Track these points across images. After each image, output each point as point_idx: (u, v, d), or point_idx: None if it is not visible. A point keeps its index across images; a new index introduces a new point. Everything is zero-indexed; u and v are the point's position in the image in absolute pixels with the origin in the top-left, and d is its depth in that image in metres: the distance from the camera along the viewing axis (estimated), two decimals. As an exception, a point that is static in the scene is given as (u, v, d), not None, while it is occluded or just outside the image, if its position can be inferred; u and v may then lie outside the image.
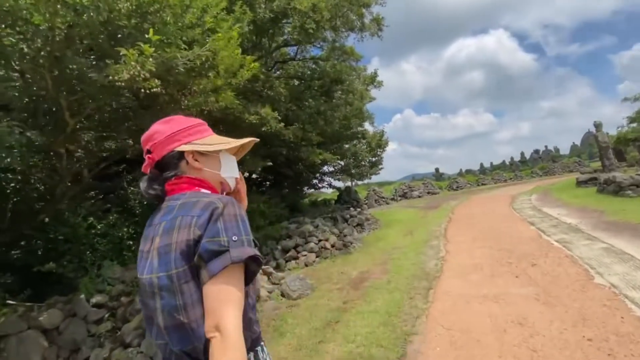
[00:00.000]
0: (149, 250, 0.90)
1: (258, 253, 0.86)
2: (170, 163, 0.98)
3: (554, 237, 6.39)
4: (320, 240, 7.95)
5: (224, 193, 1.05)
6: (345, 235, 8.66)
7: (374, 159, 14.07)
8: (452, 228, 9.35)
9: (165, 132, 0.98)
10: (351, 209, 14.49)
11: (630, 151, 18.39)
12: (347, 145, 12.11)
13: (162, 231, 0.88)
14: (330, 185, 14.75)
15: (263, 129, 6.29)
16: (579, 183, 14.88)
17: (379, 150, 13.55)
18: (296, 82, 11.13)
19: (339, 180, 14.06)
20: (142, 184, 0.99)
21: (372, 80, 11.00)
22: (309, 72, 10.99)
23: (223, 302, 0.77)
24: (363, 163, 13.22)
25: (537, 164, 70.84)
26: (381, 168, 14.61)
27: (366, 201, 25.17)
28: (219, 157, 1.03)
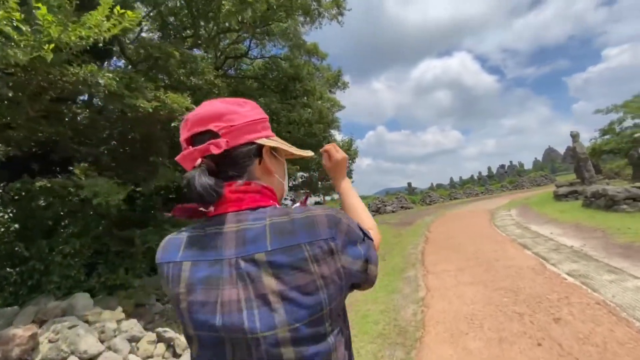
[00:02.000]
0: (248, 299, 0.59)
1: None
2: (243, 159, 0.69)
3: (563, 267, 4.93)
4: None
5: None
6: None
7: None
8: (430, 251, 7.79)
9: (247, 115, 0.71)
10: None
11: (604, 163, 18.05)
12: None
13: (271, 267, 0.60)
14: (294, 201, 12.94)
15: (173, 124, 4.48)
16: (558, 196, 14.03)
17: (348, 161, 12.02)
18: (254, 84, 9.46)
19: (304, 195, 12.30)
20: (199, 177, 0.62)
21: (336, 80, 9.52)
22: (265, 71, 9.36)
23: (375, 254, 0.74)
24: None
25: (504, 178, 73.08)
26: (352, 181, 13.13)
27: (337, 217, 23.57)
28: (284, 163, 0.82)
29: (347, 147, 11.45)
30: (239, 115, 0.70)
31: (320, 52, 10.34)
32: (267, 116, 0.78)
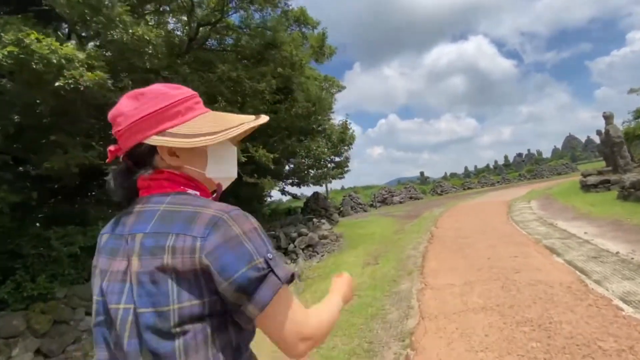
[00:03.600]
0: (125, 272, 0.64)
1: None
2: (142, 158, 0.71)
3: (613, 288, 3.53)
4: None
5: (214, 195, 0.78)
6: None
7: (337, 159, 11.14)
8: (433, 253, 6.44)
9: (130, 115, 0.69)
10: (314, 220, 11.55)
11: (637, 149, 16.09)
12: (305, 141, 9.15)
13: (140, 249, 0.63)
14: (283, 191, 11.73)
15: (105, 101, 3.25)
16: (587, 187, 12.33)
17: (343, 147, 10.59)
18: (231, 55, 8.13)
19: (295, 184, 11.02)
20: (110, 180, 0.73)
21: (321, 44, 8.09)
22: (238, 39, 8.01)
23: (288, 323, 0.64)
24: (323, 163, 10.27)
25: (521, 167, 69.92)
26: (347, 170, 11.73)
27: (341, 208, 22.29)
28: (206, 151, 0.74)
29: (342, 130, 10.07)
30: (125, 117, 0.69)
31: (310, 19, 8.90)
32: (175, 100, 0.71)
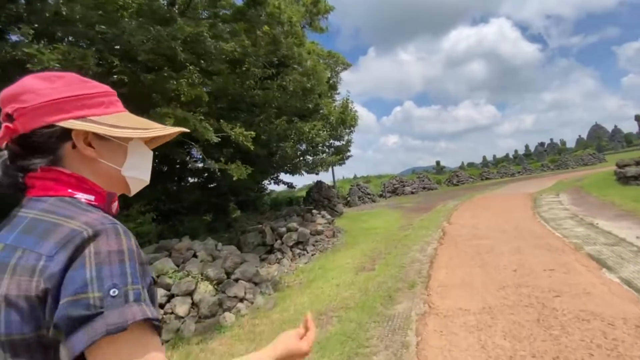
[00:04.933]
0: None
1: (152, 313, 0.51)
2: (44, 143, 0.59)
3: None
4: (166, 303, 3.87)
5: (111, 202, 0.66)
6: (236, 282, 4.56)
7: (338, 143, 9.91)
8: (443, 259, 5.26)
9: (45, 94, 0.59)
10: (313, 211, 10.48)
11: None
12: (297, 122, 7.97)
13: None
14: (275, 179, 10.63)
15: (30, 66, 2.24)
16: (625, 179, 10.74)
17: (344, 130, 9.34)
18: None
19: (287, 172, 9.89)
20: None
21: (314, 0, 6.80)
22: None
23: None
24: (321, 148, 9.09)
25: (543, 157, 66.75)
26: (349, 156, 10.52)
27: (348, 198, 21.13)
28: (127, 147, 0.67)
29: (342, 110, 8.81)
30: (36, 94, 0.58)
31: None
32: (97, 91, 0.64)
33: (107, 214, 0.58)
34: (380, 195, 23.04)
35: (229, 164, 5.29)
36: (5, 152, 0.60)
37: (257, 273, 4.79)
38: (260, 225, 7.30)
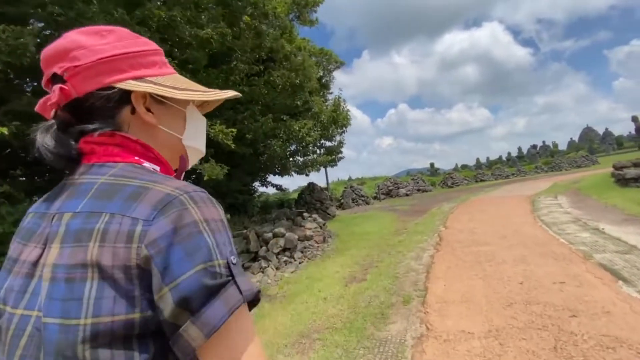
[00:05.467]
0: (35, 263, 0.46)
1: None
2: (101, 108, 0.53)
3: None
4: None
5: (178, 174, 0.61)
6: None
7: (329, 143, 9.47)
8: (440, 268, 4.82)
9: (99, 50, 0.52)
10: (304, 214, 10.01)
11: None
12: (286, 121, 7.51)
13: (64, 233, 0.45)
14: (262, 181, 10.13)
15: None
16: (625, 181, 10.45)
17: (336, 129, 8.90)
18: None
19: (277, 173, 9.40)
20: (41, 136, 0.52)
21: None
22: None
23: None
24: (312, 148, 8.63)
25: (536, 159, 67.23)
26: (341, 157, 10.07)
27: (342, 200, 20.69)
28: (186, 113, 0.61)
29: (334, 109, 8.37)
30: (88, 50, 0.51)
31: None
32: (151, 48, 0.57)
33: None
34: (375, 197, 22.65)
35: (202, 163, 4.80)
36: (54, 122, 0.53)
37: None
38: (245, 231, 6.81)
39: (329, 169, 13.58)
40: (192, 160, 0.63)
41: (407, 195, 23.16)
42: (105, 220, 0.43)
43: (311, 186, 15.35)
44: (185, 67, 4.79)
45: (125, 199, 0.45)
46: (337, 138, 9.39)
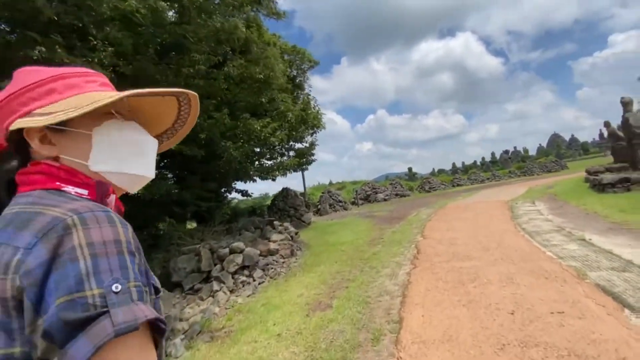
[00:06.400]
0: None
1: (157, 314, 0.44)
2: (18, 147, 0.54)
3: None
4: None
5: (104, 195, 0.55)
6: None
7: (300, 145, 8.73)
8: (417, 289, 4.16)
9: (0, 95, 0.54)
10: (275, 222, 9.20)
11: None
12: (246, 119, 6.70)
13: None
14: (227, 187, 9.25)
15: None
16: (601, 186, 10.31)
17: (306, 130, 8.17)
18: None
19: (239, 178, 8.55)
20: None
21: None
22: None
23: None
24: (279, 150, 7.85)
25: (508, 164, 69.28)
26: (312, 160, 9.37)
27: (319, 206, 19.98)
28: (91, 136, 0.54)
29: (303, 108, 7.66)
30: None
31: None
32: (51, 75, 0.53)
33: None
34: (353, 203, 22.09)
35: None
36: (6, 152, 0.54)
37: (168, 320, 3.45)
38: (198, 246, 5.93)
39: (308, 173, 12.84)
40: (128, 185, 0.58)
41: (385, 200, 22.76)
42: None
43: (285, 191, 14.54)
44: (122, 58, 3.91)
45: (16, 226, 0.43)
46: (309, 139, 8.68)
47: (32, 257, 0.39)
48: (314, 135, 8.59)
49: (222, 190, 11.54)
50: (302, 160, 9.04)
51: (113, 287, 0.40)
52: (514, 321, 2.96)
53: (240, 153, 6.00)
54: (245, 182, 8.61)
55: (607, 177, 10.10)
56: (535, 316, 3.00)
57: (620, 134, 11.91)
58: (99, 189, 0.52)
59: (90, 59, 3.91)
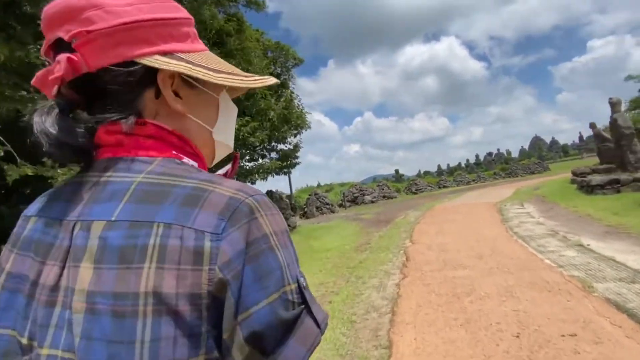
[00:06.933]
0: (55, 287, 0.36)
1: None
2: (119, 88, 0.40)
3: None
4: None
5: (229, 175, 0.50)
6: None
7: (281, 146, 8.23)
8: (407, 305, 3.72)
9: (121, 12, 0.39)
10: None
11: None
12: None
13: (99, 248, 0.35)
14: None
15: None
16: (589, 187, 10.19)
17: (289, 130, 7.67)
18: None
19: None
20: (41, 119, 0.39)
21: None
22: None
23: None
24: (260, 152, 7.33)
25: (491, 166, 70.66)
26: (296, 162, 8.90)
27: (305, 209, 19.50)
28: (219, 100, 0.48)
29: (285, 106, 7.17)
30: (106, 11, 0.37)
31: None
32: (182, 16, 0.44)
33: None
34: (340, 205, 21.70)
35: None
36: (54, 103, 0.39)
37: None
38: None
39: (296, 175, 12.35)
40: (218, 157, 0.51)
41: (372, 202, 22.47)
42: (159, 233, 0.33)
43: (269, 194, 14.00)
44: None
45: (180, 204, 0.35)
46: (293, 140, 8.20)
47: (227, 244, 0.33)
48: (298, 135, 8.11)
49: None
50: (286, 162, 8.52)
51: (301, 282, 0.37)
52: (521, 347, 2.55)
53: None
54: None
55: (596, 179, 9.99)
56: (544, 340, 2.60)
57: (607, 135, 11.89)
58: (234, 166, 0.49)
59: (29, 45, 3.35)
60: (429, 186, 30.96)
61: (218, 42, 5.63)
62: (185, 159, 0.42)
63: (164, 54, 0.40)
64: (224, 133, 0.49)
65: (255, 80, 0.46)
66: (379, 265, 5.69)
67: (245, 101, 6.76)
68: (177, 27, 0.43)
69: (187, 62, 0.41)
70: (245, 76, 0.46)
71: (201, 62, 0.43)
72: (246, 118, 6.08)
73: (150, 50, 0.39)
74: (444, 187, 32.20)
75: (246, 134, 5.89)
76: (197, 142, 0.45)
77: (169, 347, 0.31)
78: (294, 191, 24.11)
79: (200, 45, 0.46)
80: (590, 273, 3.89)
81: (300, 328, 0.34)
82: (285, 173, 9.49)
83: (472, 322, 3.08)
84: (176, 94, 0.42)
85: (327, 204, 20.43)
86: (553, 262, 4.46)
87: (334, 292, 4.65)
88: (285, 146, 8.44)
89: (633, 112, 14.31)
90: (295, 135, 8.19)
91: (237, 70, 0.47)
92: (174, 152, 0.41)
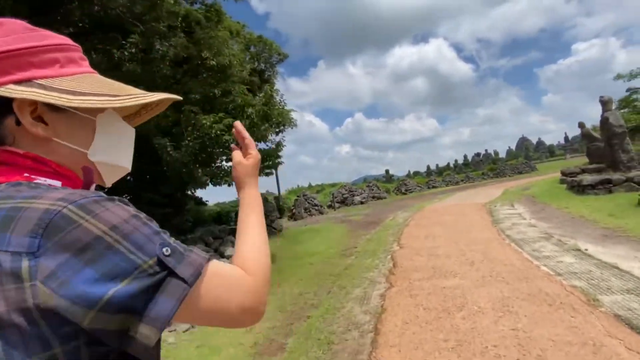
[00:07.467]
0: None
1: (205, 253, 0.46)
2: None
3: None
4: None
5: (89, 184, 0.51)
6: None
7: (262, 145, 7.74)
8: (394, 325, 3.30)
9: None
10: (230, 236, 8.22)
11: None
12: (196, 114, 5.65)
13: None
14: (181, 193, 8.12)
15: None
16: (580, 187, 9.97)
17: (270, 128, 7.18)
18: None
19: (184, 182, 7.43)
20: None
21: None
22: None
23: (218, 314, 0.45)
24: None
25: (480, 166, 71.14)
26: (279, 162, 8.42)
27: (294, 210, 19.01)
28: (95, 121, 0.50)
29: (265, 102, 6.66)
30: None
31: None
32: (51, 43, 0.47)
33: None
34: (329, 206, 21.26)
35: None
36: None
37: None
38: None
39: (286, 176, 11.82)
40: (110, 178, 0.54)
41: (362, 203, 22.10)
42: None
43: (253, 196, 13.46)
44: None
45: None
46: (276, 139, 7.71)
47: (46, 259, 0.35)
48: (280, 134, 7.63)
49: (179, 195, 10.34)
50: (268, 162, 8.03)
51: (164, 251, 0.40)
52: (525, 380, 2.13)
53: (183, 153, 4.95)
54: (194, 190, 7.48)
55: (587, 179, 9.77)
56: (551, 370, 2.19)
57: (596, 134, 11.75)
58: (86, 178, 0.48)
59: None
60: (419, 186, 30.78)
61: (187, 31, 5.12)
62: (41, 179, 0.43)
63: (19, 82, 0.42)
64: (105, 154, 0.50)
65: (130, 98, 0.46)
66: (364, 272, 5.26)
67: (221, 97, 6.26)
68: (39, 54, 0.44)
69: (46, 87, 0.43)
70: (117, 96, 0.46)
71: (66, 86, 0.44)
72: (220, 114, 5.58)
73: (3, 80, 0.42)
74: (434, 187, 32.08)
75: (219, 132, 5.39)
76: (65, 162, 0.46)
77: (27, 349, 0.34)
78: (283, 192, 23.58)
79: (73, 69, 0.47)
80: (593, 283, 3.52)
81: (168, 286, 0.38)
82: (266, 174, 8.99)
83: (465, 344, 2.67)
84: (41, 119, 0.44)
85: (316, 205, 19.98)
86: (551, 270, 4.10)
87: (313, 304, 4.20)
88: (267, 145, 7.96)
89: (622, 111, 14.26)
90: (277, 134, 7.72)
91: (119, 91, 0.47)
92: (25, 174, 0.43)
